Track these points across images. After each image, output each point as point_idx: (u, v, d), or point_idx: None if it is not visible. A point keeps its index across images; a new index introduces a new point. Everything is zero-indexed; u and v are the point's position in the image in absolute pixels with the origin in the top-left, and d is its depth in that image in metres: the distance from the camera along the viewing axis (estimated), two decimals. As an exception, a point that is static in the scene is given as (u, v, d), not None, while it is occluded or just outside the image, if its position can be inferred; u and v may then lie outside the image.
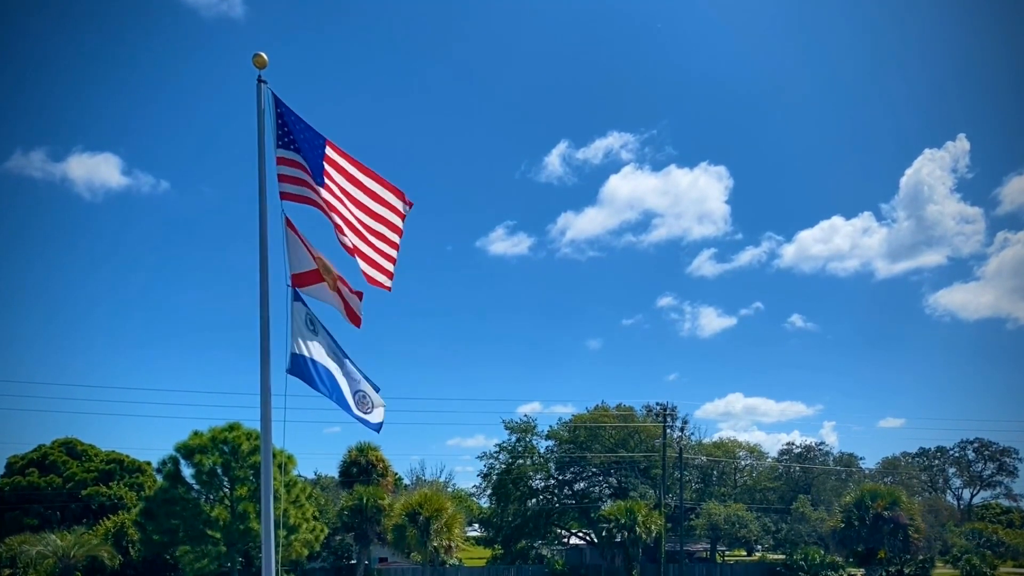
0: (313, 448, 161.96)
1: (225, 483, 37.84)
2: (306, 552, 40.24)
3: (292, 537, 37.33)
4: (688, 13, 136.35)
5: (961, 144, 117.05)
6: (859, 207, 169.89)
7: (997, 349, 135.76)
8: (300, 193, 7.53)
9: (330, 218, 7.46)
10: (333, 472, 61.46)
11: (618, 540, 48.76)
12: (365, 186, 7.89)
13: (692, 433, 69.79)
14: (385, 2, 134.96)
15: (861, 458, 78.17)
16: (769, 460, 73.44)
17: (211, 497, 38.30)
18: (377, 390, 8.06)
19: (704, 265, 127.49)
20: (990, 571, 55.15)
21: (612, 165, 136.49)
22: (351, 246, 7.54)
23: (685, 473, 61.22)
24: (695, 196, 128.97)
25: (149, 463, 56.61)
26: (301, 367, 7.35)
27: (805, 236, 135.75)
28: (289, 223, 7.50)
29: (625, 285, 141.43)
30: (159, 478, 41.79)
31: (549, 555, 64.68)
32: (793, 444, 77.59)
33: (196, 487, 38.24)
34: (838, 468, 73.30)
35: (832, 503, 58.39)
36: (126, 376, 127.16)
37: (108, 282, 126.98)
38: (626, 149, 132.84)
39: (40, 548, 39.89)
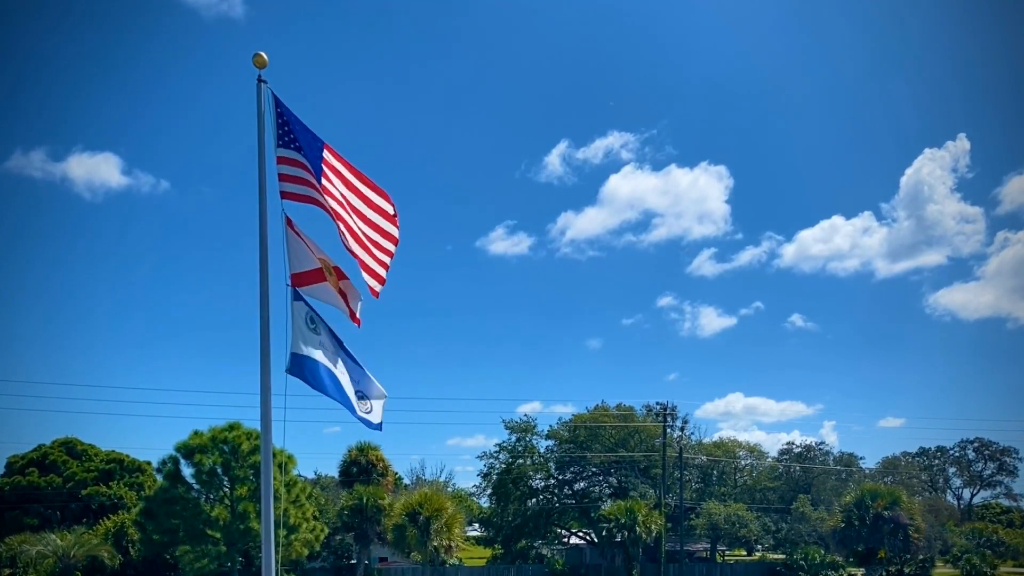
0: (313, 448, 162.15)
1: (225, 483, 37.84)
2: (306, 552, 40.22)
3: (292, 537, 37.32)
4: (688, 13, 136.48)
5: (961, 144, 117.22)
6: (859, 207, 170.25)
7: (997, 349, 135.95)
8: (301, 192, 7.52)
9: (331, 216, 7.46)
10: (333, 472, 61.58)
11: (618, 540, 48.76)
12: (361, 192, 7.90)
13: (692, 433, 69.90)
14: (385, 2, 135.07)
15: (861, 458, 78.26)
16: (769, 460, 73.50)
17: (211, 497, 38.30)
18: (379, 386, 8.05)
19: (704, 265, 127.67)
20: (990, 571, 55.16)
21: (612, 165, 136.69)
22: (351, 248, 7.55)
23: (685, 473, 61.22)
24: (695, 196, 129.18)
25: (149, 463, 56.68)
26: (301, 367, 7.35)
27: (805, 236, 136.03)
28: (289, 223, 7.50)
29: (625, 285, 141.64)
30: (159, 478, 41.80)
31: (549, 555, 64.68)
32: (793, 444, 77.76)
33: (196, 487, 38.24)
34: (838, 468, 73.30)
35: (832, 503, 58.38)
36: (126, 376, 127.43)
37: (108, 282, 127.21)
38: (626, 149, 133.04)
39: (40, 548, 39.90)
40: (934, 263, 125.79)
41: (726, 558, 70.75)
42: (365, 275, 7.70)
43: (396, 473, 58.25)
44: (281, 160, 7.44)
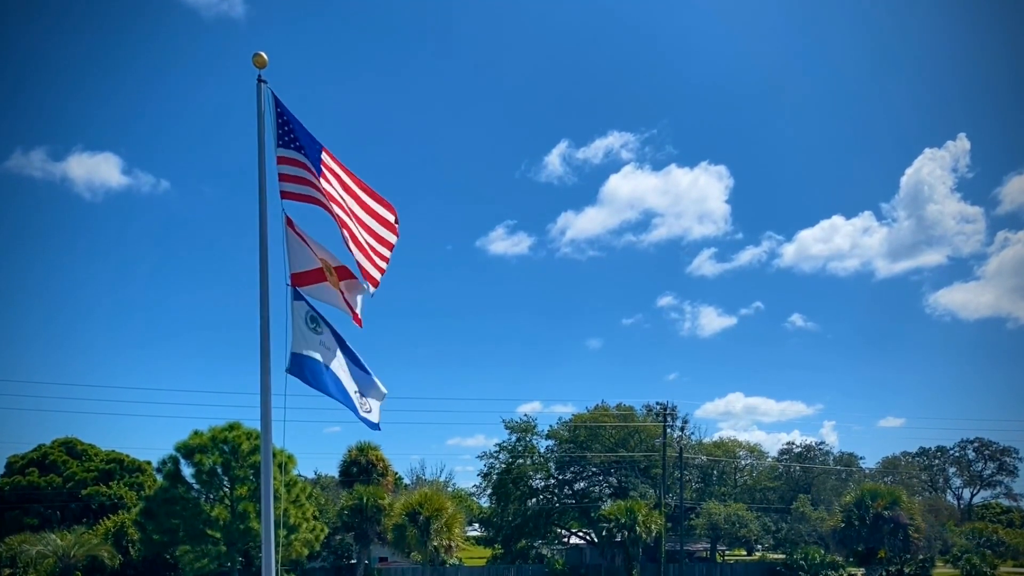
0: (313, 448, 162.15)
1: (225, 483, 37.83)
2: (306, 552, 40.22)
3: (292, 537, 37.31)
4: (688, 13, 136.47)
5: (961, 144, 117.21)
6: (859, 207, 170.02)
7: (997, 349, 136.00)
8: (302, 192, 7.52)
9: (333, 215, 7.47)
10: (333, 472, 61.59)
11: (618, 540, 48.75)
12: (358, 196, 7.91)
13: (692, 433, 69.92)
14: (385, 2, 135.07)
15: (861, 458, 78.28)
16: (769, 460, 73.49)
17: (211, 497, 38.28)
18: (380, 384, 8.06)
19: (704, 265, 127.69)
20: (990, 571, 55.16)
21: (612, 165, 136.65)
22: (349, 248, 7.56)
23: (685, 473, 61.21)
24: (695, 196, 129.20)
25: (149, 463, 56.67)
26: (301, 367, 7.35)
27: (805, 236, 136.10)
28: (290, 222, 7.50)
29: (625, 285, 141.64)
30: (159, 478, 41.78)
31: (549, 555, 64.67)
32: (793, 444, 77.78)
33: (196, 487, 38.23)
34: (838, 468, 73.30)
35: (832, 503, 58.37)
36: (126, 376, 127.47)
37: (108, 282, 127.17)
38: (626, 148, 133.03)
39: (40, 548, 39.89)
40: (934, 263, 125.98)
41: (726, 558, 70.74)
42: (359, 275, 7.73)
43: (396, 473, 58.29)
44: (281, 160, 7.43)
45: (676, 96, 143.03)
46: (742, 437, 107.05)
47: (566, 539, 68.57)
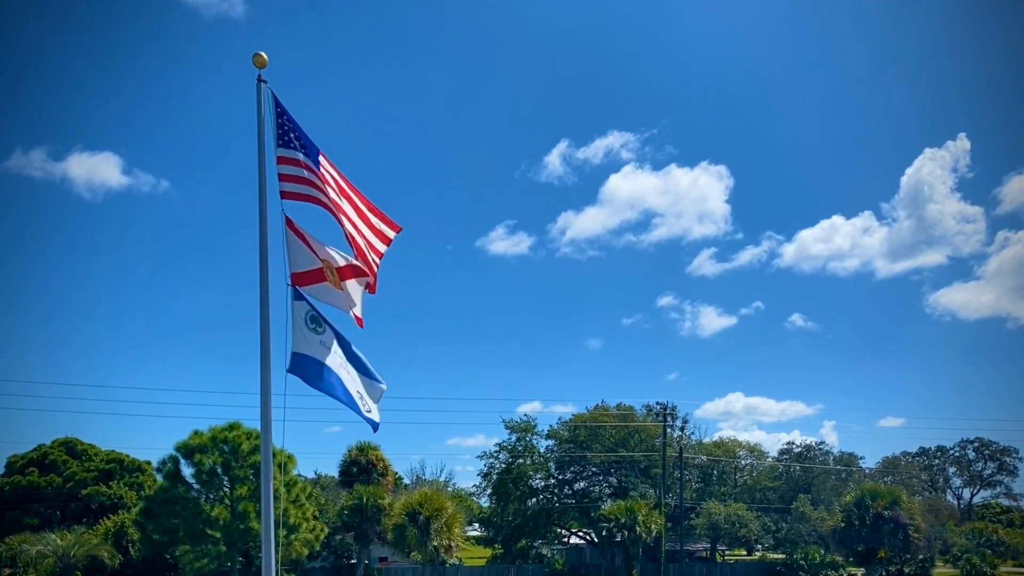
0: (313, 448, 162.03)
1: (225, 483, 37.82)
2: (306, 552, 40.21)
3: (292, 536, 37.31)
4: (688, 13, 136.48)
5: (961, 143, 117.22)
6: (859, 207, 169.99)
7: (997, 349, 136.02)
8: (302, 192, 7.53)
9: (333, 214, 7.48)
10: (333, 472, 61.54)
11: (618, 540, 48.73)
12: (354, 202, 7.91)
13: (692, 433, 69.92)
14: (385, 2, 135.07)
15: (861, 458, 78.28)
16: (769, 460, 73.48)
17: (211, 497, 38.27)
18: (380, 382, 8.06)
19: (704, 264, 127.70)
20: (990, 571, 55.15)
21: (612, 164, 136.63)
22: (352, 243, 7.59)
23: (685, 473, 61.21)
24: (695, 195, 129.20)
25: (149, 463, 56.69)
26: (301, 366, 7.35)
27: (805, 235, 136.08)
28: (290, 222, 7.50)
29: (625, 285, 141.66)
30: (159, 478, 41.78)
31: (549, 555, 64.67)
32: (793, 444, 77.81)
33: (196, 487, 38.22)
34: (838, 468, 73.31)
35: (832, 503, 58.37)
36: (126, 376, 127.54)
37: (108, 282, 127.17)
38: (626, 148, 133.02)
39: (40, 548, 39.89)
40: (934, 263, 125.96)
41: (726, 558, 70.73)
42: (365, 270, 7.76)
43: (396, 473, 58.29)
44: (281, 160, 7.44)
45: (676, 96, 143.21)
46: (742, 437, 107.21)
47: (566, 539, 68.56)
